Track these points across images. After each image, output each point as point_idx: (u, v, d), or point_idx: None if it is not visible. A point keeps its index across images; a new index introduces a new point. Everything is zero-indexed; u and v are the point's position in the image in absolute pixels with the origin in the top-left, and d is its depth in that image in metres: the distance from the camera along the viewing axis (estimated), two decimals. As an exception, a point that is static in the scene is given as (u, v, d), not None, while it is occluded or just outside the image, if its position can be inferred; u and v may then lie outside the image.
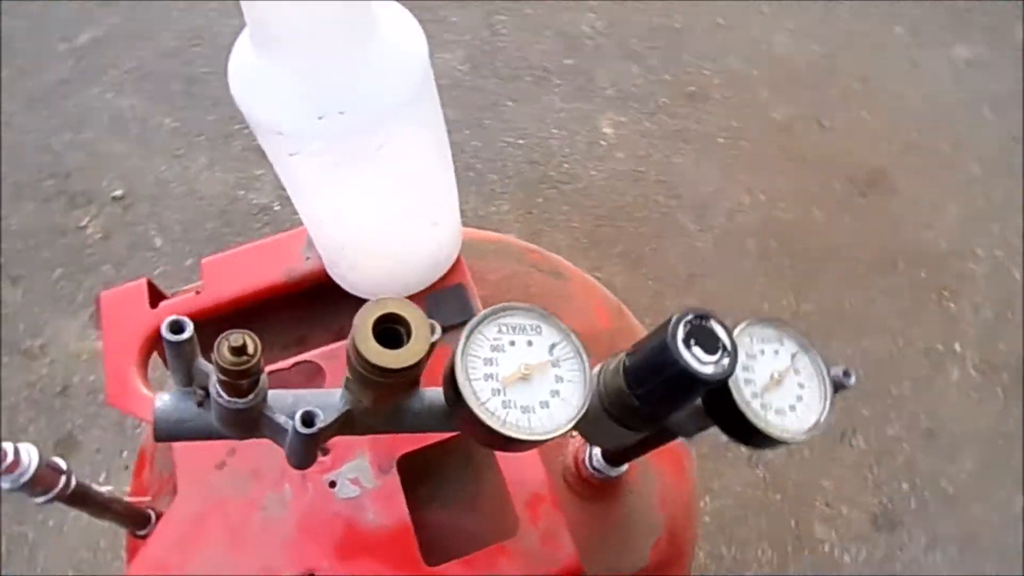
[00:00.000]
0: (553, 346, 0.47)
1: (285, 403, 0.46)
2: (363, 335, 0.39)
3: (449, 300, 0.70)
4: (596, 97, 2.13)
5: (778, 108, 2.12)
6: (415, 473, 0.65)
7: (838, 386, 0.53)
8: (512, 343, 0.47)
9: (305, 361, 0.71)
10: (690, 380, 0.45)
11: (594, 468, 0.70)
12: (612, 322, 0.86)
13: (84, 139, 2.09)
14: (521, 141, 2.05)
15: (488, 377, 0.45)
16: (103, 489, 0.67)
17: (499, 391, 0.45)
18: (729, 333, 0.46)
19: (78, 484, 0.64)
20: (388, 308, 0.40)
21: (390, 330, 0.40)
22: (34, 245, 1.92)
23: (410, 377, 0.42)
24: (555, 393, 0.47)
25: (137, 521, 0.70)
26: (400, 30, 0.55)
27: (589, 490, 0.72)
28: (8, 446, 0.57)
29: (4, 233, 1.93)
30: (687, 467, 0.80)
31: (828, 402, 0.52)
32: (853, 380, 0.53)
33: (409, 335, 0.40)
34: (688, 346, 0.45)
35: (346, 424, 0.46)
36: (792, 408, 0.51)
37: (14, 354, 1.75)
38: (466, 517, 0.68)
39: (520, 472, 0.63)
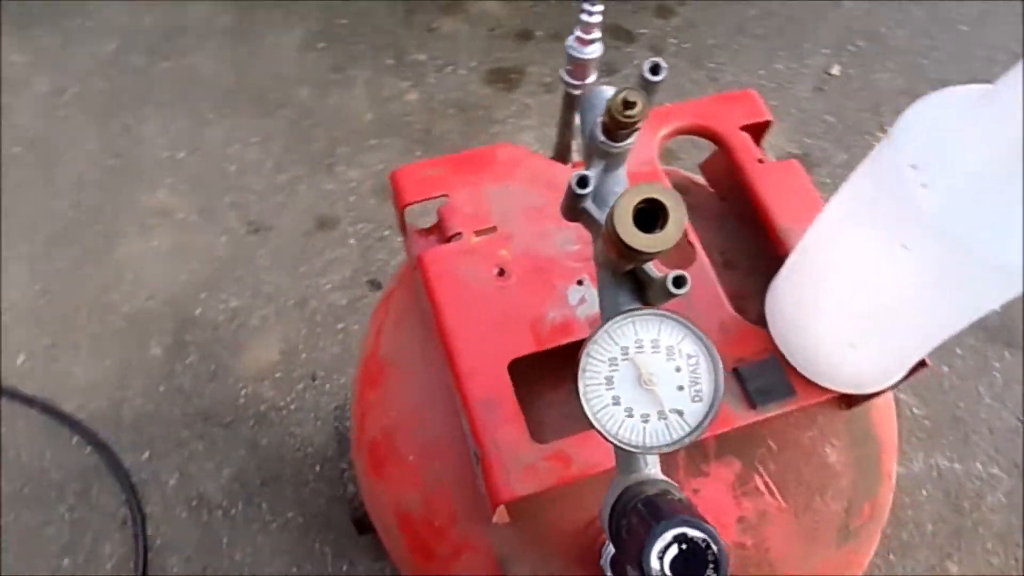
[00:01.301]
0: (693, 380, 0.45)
1: (611, 180, 0.52)
2: (625, 204, 0.42)
3: (769, 377, 0.66)
4: None
5: None
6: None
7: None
8: (677, 369, 0.45)
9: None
10: (638, 550, 0.41)
11: (600, 555, 0.67)
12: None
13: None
14: None
15: (611, 361, 0.46)
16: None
17: (615, 364, 0.46)
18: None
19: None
20: (651, 194, 0.41)
21: (650, 212, 0.42)
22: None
23: (630, 255, 0.43)
24: (645, 418, 0.46)
25: (559, 159, 0.87)
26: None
27: (589, 556, 0.70)
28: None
29: None
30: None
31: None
32: None
33: (660, 226, 0.42)
34: (676, 543, 0.40)
35: (592, 229, 0.51)
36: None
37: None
38: (558, 405, 0.72)
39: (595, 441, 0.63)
